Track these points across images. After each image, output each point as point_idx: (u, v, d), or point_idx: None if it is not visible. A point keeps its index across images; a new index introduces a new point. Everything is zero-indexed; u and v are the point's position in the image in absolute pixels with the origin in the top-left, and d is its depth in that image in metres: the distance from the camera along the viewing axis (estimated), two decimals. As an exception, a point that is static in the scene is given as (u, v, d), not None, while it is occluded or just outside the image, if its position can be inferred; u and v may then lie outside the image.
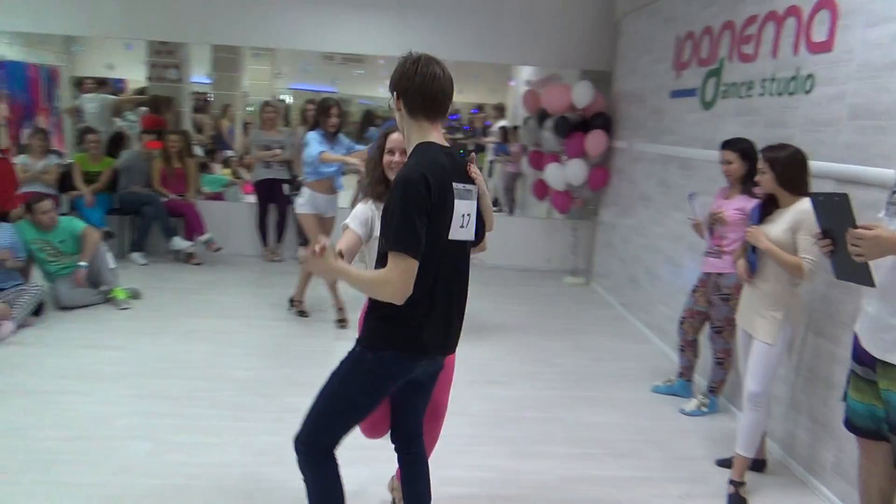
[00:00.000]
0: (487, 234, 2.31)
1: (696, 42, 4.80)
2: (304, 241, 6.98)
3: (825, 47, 3.35)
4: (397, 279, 1.87)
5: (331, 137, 4.82)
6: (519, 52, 6.99)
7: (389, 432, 2.38)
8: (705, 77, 4.62)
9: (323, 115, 4.80)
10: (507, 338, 5.01)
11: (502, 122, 9.53)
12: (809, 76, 3.47)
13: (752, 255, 3.04)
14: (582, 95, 6.38)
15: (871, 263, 2.12)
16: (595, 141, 6.37)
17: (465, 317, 2.19)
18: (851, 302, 3.02)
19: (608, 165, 6.57)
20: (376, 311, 2.03)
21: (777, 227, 2.96)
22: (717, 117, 4.43)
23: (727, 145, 3.65)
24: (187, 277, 6.18)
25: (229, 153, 9.20)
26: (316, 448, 2.12)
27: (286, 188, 7.03)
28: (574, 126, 6.48)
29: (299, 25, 6.82)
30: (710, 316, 3.80)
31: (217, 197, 7.62)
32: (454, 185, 1.99)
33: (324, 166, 4.75)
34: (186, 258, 6.67)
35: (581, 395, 4.05)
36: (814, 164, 3.04)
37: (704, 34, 4.68)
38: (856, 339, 2.41)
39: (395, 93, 2.02)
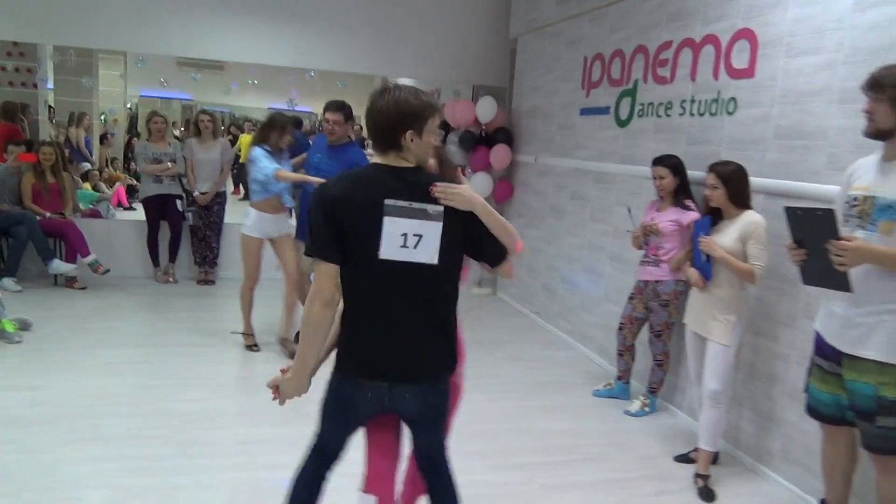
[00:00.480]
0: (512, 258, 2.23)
1: (606, 64, 5.12)
2: (203, 258, 6.61)
3: (747, 73, 3.72)
4: (316, 285, 2.00)
5: (277, 154, 4.60)
6: (413, 67, 7.09)
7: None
8: (619, 97, 4.94)
9: (278, 132, 4.53)
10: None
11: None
12: (732, 99, 3.83)
13: (707, 263, 3.30)
14: (486, 110, 6.56)
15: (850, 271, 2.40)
16: (499, 155, 6.57)
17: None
18: (786, 303, 3.37)
19: (511, 179, 6.81)
20: None
21: (727, 237, 3.24)
22: (635, 134, 4.74)
23: (658, 162, 3.94)
24: (75, 304, 5.62)
25: (87, 166, 8.49)
26: (316, 440, 2.21)
27: (179, 204, 6.61)
28: (478, 140, 6.66)
29: (183, 30, 6.50)
30: (650, 321, 4.06)
31: (94, 214, 7.01)
32: (387, 201, 1.95)
33: (274, 184, 4.52)
34: (68, 282, 6.08)
35: (533, 405, 4.16)
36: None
37: (615, 56, 5.01)
38: (818, 336, 2.70)
39: None
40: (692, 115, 4.16)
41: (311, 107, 9.71)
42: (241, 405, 3.80)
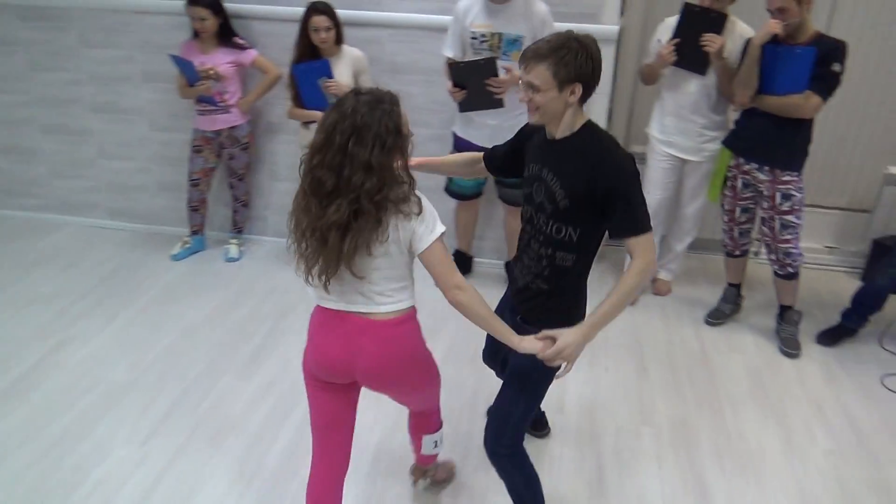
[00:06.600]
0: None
1: None
2: None
3: None
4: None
5: None
6: None
7: None
8: None
9: None
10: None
11: None
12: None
13: (325, 101, 3.51)
14: None
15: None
16: None
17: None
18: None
19: None
20: None
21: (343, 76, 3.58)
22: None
23: (195, 2, 3.64)
24: None
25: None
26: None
27: None
28: None
29: None
30: (231, 167, 4.02)
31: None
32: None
33: None
34: None
35: (149, 300, 3.75)
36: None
37: None
38: (463, 140, 3.61)
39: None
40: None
41: None
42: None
